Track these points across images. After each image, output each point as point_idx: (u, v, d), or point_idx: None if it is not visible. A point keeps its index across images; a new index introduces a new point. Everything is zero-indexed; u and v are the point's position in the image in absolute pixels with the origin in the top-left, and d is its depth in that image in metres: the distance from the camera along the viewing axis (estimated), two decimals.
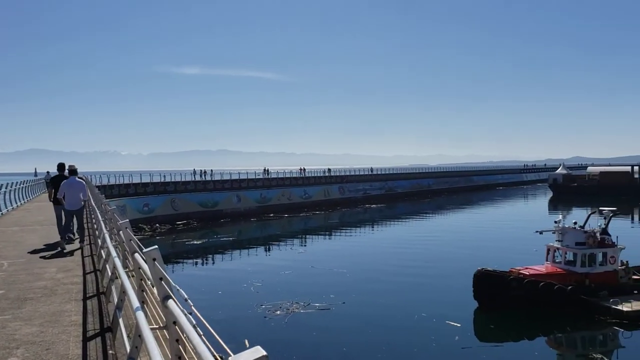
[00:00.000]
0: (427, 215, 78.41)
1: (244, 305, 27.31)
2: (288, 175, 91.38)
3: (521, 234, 47.33)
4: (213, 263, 42.64)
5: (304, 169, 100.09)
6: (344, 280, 32.96)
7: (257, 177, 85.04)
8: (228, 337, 21.41)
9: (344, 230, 60.89)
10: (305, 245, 49.73)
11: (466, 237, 52.49)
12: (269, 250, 48.53)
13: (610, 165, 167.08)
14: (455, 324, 23.64)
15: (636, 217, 74.76)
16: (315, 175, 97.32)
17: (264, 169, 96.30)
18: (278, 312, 25.64)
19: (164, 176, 74.25)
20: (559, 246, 27.49)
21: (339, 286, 31.01)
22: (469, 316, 25.21)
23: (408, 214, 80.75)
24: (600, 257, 26.66)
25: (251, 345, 3.10)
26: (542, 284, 25.08)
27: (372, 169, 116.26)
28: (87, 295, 9.18)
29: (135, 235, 7.20)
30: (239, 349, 2.89)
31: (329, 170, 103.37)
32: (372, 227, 64.28)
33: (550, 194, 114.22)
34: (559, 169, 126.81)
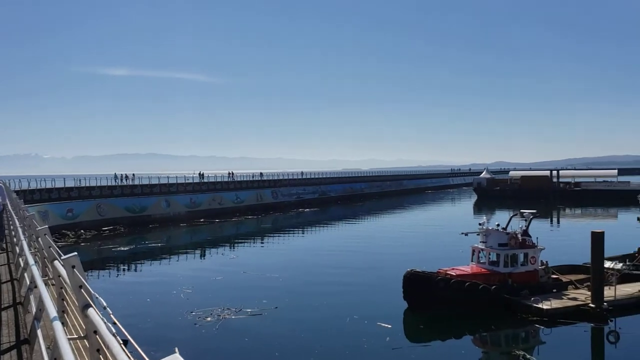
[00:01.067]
0: (360, 218, 79.49)
1: (173, 313, 26.64)
2: (220, 180, 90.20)
3: (449, 236, 48.84)
4: (141, 270, 41.35)
5: (233, 173, 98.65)
6: (277, 285, 32.80)
7: (187, 181, 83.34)
8: (157, 345, 20.86)
9: (276, 235, 60.69)
10: (237, 251, 49.17)
11: (397, 239, 53.59)
12: (200, 256, 47.67)
13: (530, 169, 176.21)
14: (386, 325, 24.02)
15: (555, 219, 78.80)
16: (248, 179, 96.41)
17: (199, 173, 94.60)
18: (209, 319, 25.19)
19: (88, 180, 71.48)
20: (483, 247, 28.51)
21: (272, 291, 30.83)
22: (399, 317, 25.69)
23: (341, 217, 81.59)
24: (521, 258, 27.87)
25: (181, 353, 3.01)
26: (467, 283, 25.92)
27: (302, 173, 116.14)
28: (2, 306, 8.65)
29: (58, 242, 6.86)
30: (166, 357, 2.79)
31: (261, 174, 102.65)
32: (305, 231, 64.44)
33: (475, 197, 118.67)
34: (483, 173, 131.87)
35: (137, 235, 58.55)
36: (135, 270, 41.43)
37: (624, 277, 28.65)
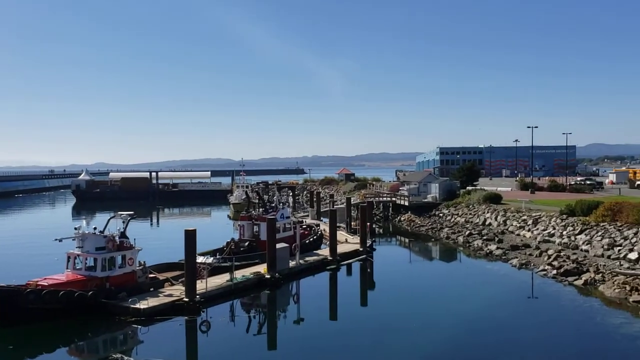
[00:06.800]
0: None
1: None
2: None
3: (44, 244, 44.78)
4: None
5: None
6: None
7: None
8: None
9: None
10: None
11: None
12: None
13: (132, 171, 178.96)
14: None
15: (154, 219, 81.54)
16: None
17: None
18: None
19: None
20: (79, 252, 27.22)
21: None
22: None
23: None
24: (119, 260, 27.67)
25: None
26: (62, 292, 24.30)
27: None
28: None
29: None
30: None
31: None
32: None
33: (74, 200, 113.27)
34: (82, 175, 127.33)
35: None
36: None
37: (215, 270, 31.54)
